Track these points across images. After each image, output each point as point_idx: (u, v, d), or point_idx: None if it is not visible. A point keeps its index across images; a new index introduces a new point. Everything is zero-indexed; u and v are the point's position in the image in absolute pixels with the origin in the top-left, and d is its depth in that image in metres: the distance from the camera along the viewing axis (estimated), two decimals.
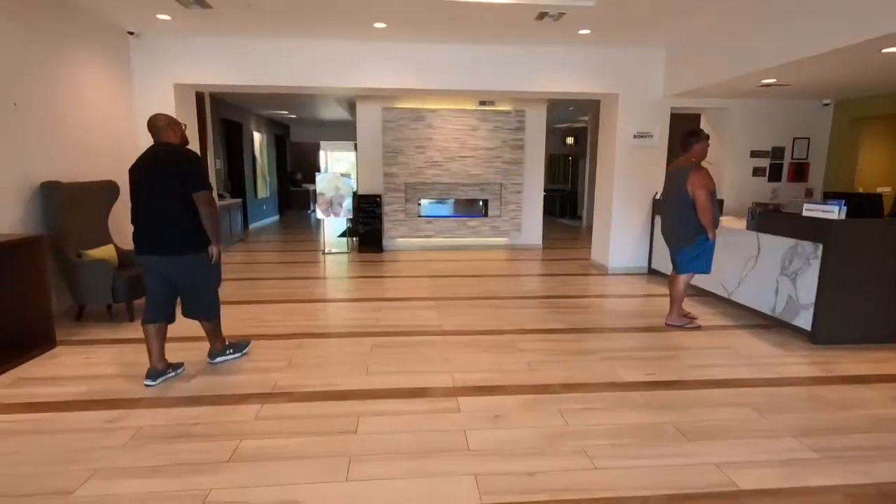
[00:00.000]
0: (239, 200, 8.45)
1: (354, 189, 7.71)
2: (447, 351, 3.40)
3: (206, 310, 2.99)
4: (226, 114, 8.98)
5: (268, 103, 9.43)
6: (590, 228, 10.03)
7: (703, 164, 3.77)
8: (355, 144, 7.91)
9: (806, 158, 6.15)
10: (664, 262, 5.38)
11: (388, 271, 6.07)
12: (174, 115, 3.84)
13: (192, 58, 5.09)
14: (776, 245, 3.85)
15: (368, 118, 7.23)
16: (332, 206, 7.32)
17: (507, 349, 3.44)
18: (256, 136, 10.64)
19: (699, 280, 4.35)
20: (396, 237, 7.48)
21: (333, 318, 4.31)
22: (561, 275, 5.93)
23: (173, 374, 2.90)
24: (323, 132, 14.08)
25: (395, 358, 3.26)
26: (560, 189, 13.23)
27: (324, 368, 3.09)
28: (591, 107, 9.99)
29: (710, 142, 3.79)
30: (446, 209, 7.76)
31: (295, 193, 13.84)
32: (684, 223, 3.75)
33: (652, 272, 5.94)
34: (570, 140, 13.32)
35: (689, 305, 4.35)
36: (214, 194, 2.99)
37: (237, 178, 9.85)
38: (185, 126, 2.99)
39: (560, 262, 6.66)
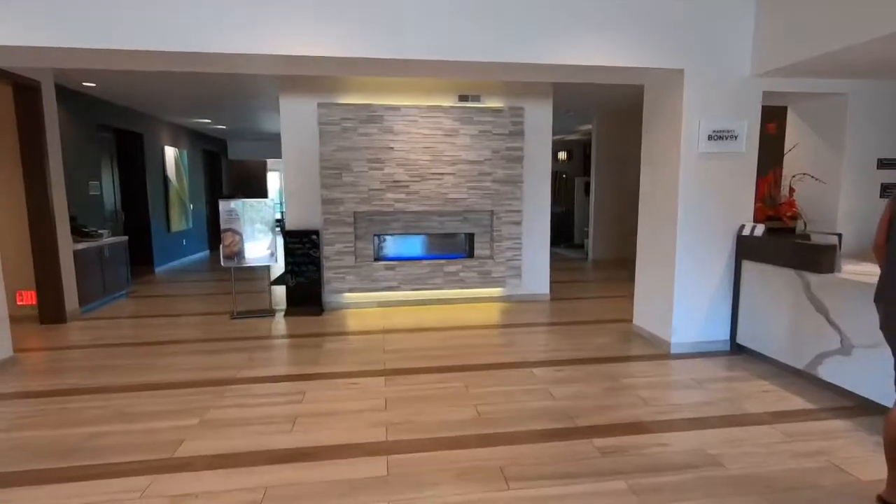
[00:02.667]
0: (124, 239, 6.01)
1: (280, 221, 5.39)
2: None
3: None
4: (115, 120, 6.59)
5: (176, 107, 7.09)
6: (600, 264, 8.06)
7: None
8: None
9: None
10: (757, 334, 3.23)
11: (319, 354, 3.74)
12: None
13: None
14: None
15: (297, 119, 4.98)
16: (243, 248, 4.97)
17: None
18: (169, 151, 8.23)
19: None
20: (343, 291, 5.16)
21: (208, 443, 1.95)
22: (596, 360, 3.70)
23: None
24: (270, 148, 11.72)
25: None
26: (554, 212, 11.13)
27: None
28: (595, 112, 7.95)
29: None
30: (415, 248, 5.50)
31: None
32: None
33: (738, 349, 3.78)
34: (562, 155, 11.33)
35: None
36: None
37: (135, 206, 7.39)
38: None
39: (586, 330, 4.44)
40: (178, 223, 8.47)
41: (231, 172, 11.60)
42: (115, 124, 6.71)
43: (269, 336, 4.31)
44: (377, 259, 5.30)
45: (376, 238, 5.31)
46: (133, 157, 7.34)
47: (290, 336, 4.31)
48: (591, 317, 4.88)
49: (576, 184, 10.53)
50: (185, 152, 8.91)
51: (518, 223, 5.33)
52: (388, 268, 5.18)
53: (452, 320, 4.77)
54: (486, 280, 5.35)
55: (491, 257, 5.39)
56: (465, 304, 5.37)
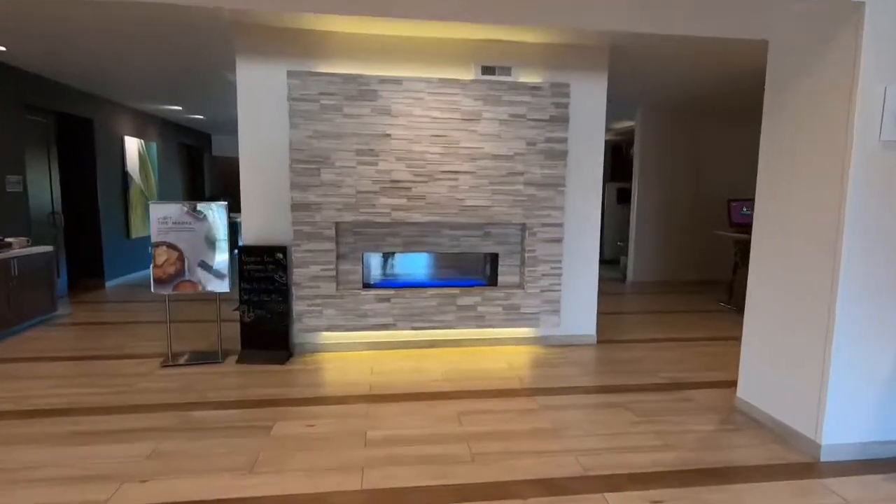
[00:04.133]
0: (47, 249, 4.69)
1: (236, 236, 4.02)
2: None
3: None
4: (52, 101, 5.29)
5: (130, 86, 5.78)
6: (643, 288, 6.63)
7: None
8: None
9: None
10: None
11: (262, 449, 2.35)
12: None
13: None
14: None
15: (258, 92, 3.64)
16: (186, 268, 3.62)
17: None
18: (131, 142, 6.94)
19: None
20: (319, 329, 3.78)
21: None
22: (703, 474, 2.27)
23: None
24: None
25: None
26: None
27: None
28: (641, 105, 6.55)
29: None
30: (418, 273, 4.13)
31: None
32: None
33: None
34: None
35: None
36: None
37: (82, 207, 6.08)
38: None
39: (667, 404, 3.02)
40: (141, 228, 7.16)
41: (215, 170, 10.31)
42: (52, 106, 5.42)
43: (198, 404, 2.94)
44: (367, 286, 3.93)
45: (366, 258, 3.94)
46: (79, 147, 6.04)
47: (230, 405, 2.94)
48: (664, 376, 3.47)
49: (606, 190, 9.13)
50: (153, 145, 7.62)
51: (558, 240, 3.94)
52: (381, 298, 3.81)
53: (467, 379, 3.38)
54: (514, 317, 3.96)
55: (520, 286, 4.01)
56: (484, 349, 3.98)
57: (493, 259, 4.06)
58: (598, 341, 4.22)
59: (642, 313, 5.28)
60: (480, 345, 4.05)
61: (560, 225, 3.92)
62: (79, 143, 6.02)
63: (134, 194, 6.98)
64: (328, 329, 3.77)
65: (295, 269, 3.68)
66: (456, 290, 3.90)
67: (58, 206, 5.69)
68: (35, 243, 4.96)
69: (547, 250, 3.93)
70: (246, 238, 3.75)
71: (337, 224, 3.74)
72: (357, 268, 3.86)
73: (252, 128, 3.65)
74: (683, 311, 5.39)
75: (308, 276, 3.69)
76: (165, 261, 3.58)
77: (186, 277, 3.61)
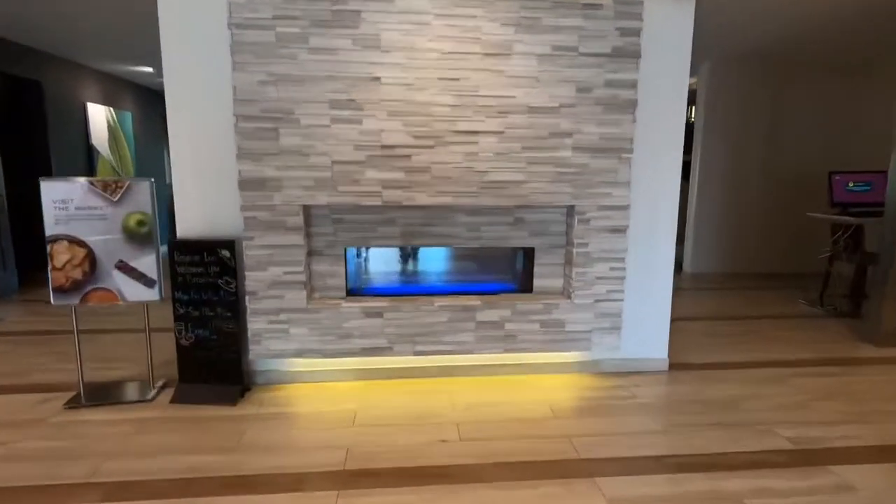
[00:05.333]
0: None
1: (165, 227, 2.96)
2: None
3: None
4: None
5: (93, 44, 4.75)
6: (708, 281, 5.31)
7: None
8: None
9: None
10: None
11: None
12: None
13: None
14: None
15: (190, 17, 2.51)
16: (97, 272, 2.60)
17: None
18: (96, 110, 5.94)
19: None
20: (286, 354, 2.72)
21: None
22: None
23: None
24: None
25: None
26: None
27: None
28: (707, 57, 5.20)
29: None
30: (422, 275, 3.01)
31: None
32: None
33: None
34: None
35: None
36: None
37: (34, 186, 5.14)
38: None
39: (831, 495, 1.89)
40: None
41: None
42: None
43: (77, 488, 1.93)
44: (352, 294, 2.85)
45: (350, 256, 2.85)
46: (25, 116, 5.07)
47: (140, 481, 1.93)
48: (787, 435, 2.30)
49: None
50: (128, 114, 6.62)
51: (621, 230, 2.77)
52: (370, 312, 2.72)
53: (490, 436, 2.29)
54: (556, 337, 2.83)
55: (565, 294, 2.88)
56: (514, 380, 2.89)
57: (527, 256, 2.92)
58: (671, 365, 3.08)
59: (717, 319, 4.08)
60: (508, 372, 2.96)
61: (625, 208, 2.75)
62: (24, 110, 5.04)
63: (102, 171, 6.02)
64: (297, 355, 2.72)
65: (248, 273, 2.61)
66: (475, 300, 2.79)
67: None
68: None
69: (605, 244, 2.77)
70: (181, 229, 2.69)
71: (306, 208, 2.65)
72: (337, 269, 2.78)
73: (180, 69, 2.55)
74: (770, 315, 4.18)
75: (267, 281, 2.63)
76: (68, 262, 2.56)
77: (99, 284, 2.59)
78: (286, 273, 2.63)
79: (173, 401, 2.61)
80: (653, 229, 2.90)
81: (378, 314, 2.72)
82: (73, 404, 2.56)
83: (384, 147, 2.56)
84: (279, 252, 2.61)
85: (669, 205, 2.89)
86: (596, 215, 2.74)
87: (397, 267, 2.93)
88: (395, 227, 2.78)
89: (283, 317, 2.66)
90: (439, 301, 2.77)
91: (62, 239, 2.53)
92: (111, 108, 6.26)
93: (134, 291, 2.63)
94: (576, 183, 2.69)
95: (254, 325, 2.66)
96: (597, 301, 2.82)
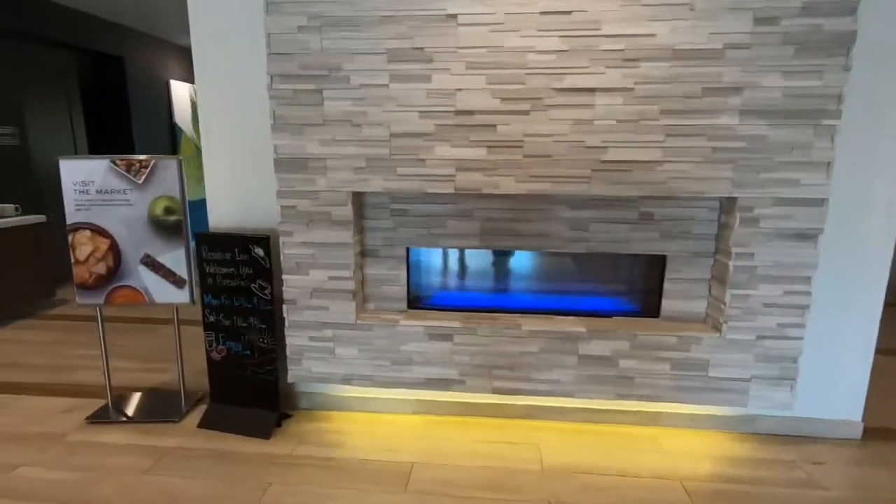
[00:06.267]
0: (41, 219, 3.67)
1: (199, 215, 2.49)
2: None
3: None
4: (65, 32, 4.19)
5: (180, 18, 4.54)
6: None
7: None
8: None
9: None
10: None
11: None
12: None
13: None
14: None
15: None
16: (122, 267, 2.21)
17: None
18: (180, 88, 5.86)
19: None
20: (332, 380, 2.17)
21: None
22: None
23: None
24: None
25: None
26: None
27: None
28: None
29: None
30: (505, 288, 2.29)
31: None
32: None
33: None
34: None
35: None
36: None
37: None
38: None
39: None
40: (196, 189, 6.18)
41: None
42: (64, 38, 4.34)
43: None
44: (415, 306, 2.22)
45: (413, 258, 2.21)
46: (107, 93, 5.02)
47: None
48: None
49: None
50: None
51: (809, 237, 1.84)
52: (436, 335, 2.07)
53: None
54: (692, 383, 2.00)
55: (713, 323, 2.02)
56: (629, 433, 2.10)
57: (656, 267, 2.09)
58: (867, 431, 2.11)
59: None
60: (620, 420, 2.18)
61: (819, 203, 1.81)
62: (106, 87, 5.00)
63: (185, 149, 5.96)
64: (345, 381, 2.16)
65: (286, 277, 2.08)
66: (578, 325, 2.03)
67: None
68: (39, 211, 4.02)
69: (781, 255, 1.87)
70: (213, 219, 2.22)
71: (356, 196, 2.04)
72: (396, 275, 2.16)
73: (207, 19, 2.03)
74: None
75: (308, 288, 2.08)
76: (91, 254, 2.19)
77: (124, 281, 2.20)
78: (331, 279, 2.05)
79: (201, 425, 2.18)
80: (860, 237, 1.93)
81: (446, 337, 2.07)
82: (96, 418, 2.22)
83: (460, 113, 1.86)
84: (323, 251, 2.04)
85: (890, 200, 1.89)
86: (770, 212, 1.84)
87: (475, 274, 2.25)
88: (473, 223, 2.09)
89: (327, 333, 2.11)
90: (529, 323, 2.05)
91: (84, 228, 2.16)
92: (194, 85, 6.16)
93: (162, 291, 2.21)
94: (742, 164, 1.81)
95: (293, 340, 2.13)
96: (761, 338, 1.93)
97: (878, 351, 2.95)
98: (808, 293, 1.88)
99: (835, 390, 2.07)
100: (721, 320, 1.95)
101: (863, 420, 2.10)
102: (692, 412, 2.14)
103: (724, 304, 1.92)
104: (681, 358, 1.98)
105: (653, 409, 2.15)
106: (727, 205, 1.93)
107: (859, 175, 1.88)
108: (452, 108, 1.86)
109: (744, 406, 2.00)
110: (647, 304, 2.13)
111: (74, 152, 4.65)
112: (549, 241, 2.07)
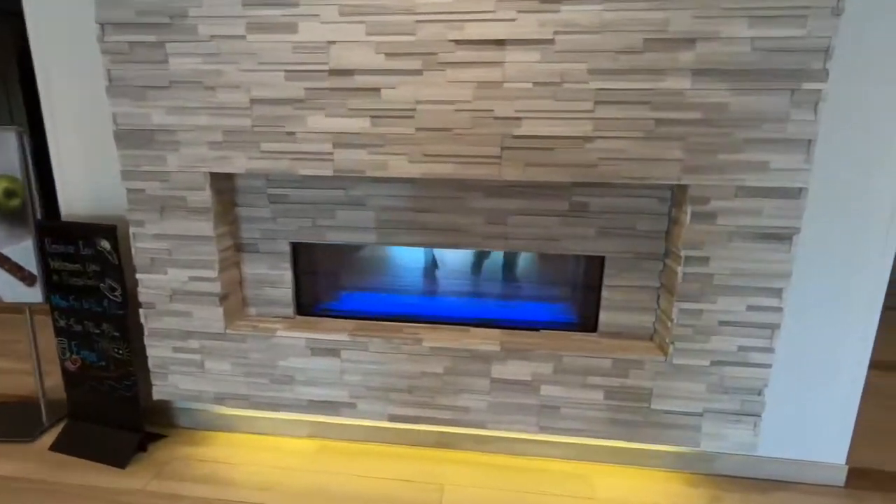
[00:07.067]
0: None
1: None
2: None
3: None
4: None
5: None
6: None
7: None
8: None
9: None
10: None
11: None
12: None
13: None
14: None
15: None
16: None
17: None
18: None
19: None
20: (203, 398, 1.81)
21: None
22: None
23: None
24: None
25: None
26: None
27: None
28: None
29: None
30: (405, 294, 1.89)
31: None
32: None
33: None
34: None
35: None
36: None
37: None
38: None
39: None
40: None
41: None
42: None
43: None
44: (308, 312, 1.85)
45: (301, 253, 1.82)
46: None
47: None
48: None
49: None
50: None
51: (781, 237, 1.42)
52: (319, 349, 1.70)
53: None
54: (631, 416, 1.61)
55: (659, 341, 1.62)
56: (553, 472, 1.73)
57: (592, 270, 1.69)
58: (852, 473, 1.71)
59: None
60: (549, 453, 1.81)
61: (795, 193, 1.39)
62: None
63: None
64: (217, 400, 1.80)
65: (140, 276, 1.71)
66: (491, 343, 1.65)
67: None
68: None
69: (742, 260, 1.45)
70: (63, 203, 1.85)
71: (215, 178, 1.65)
72: (279, 275, 1.78)
73: None
74: None
75: (167, 289, 1.71)
76: None
77: None
78: (192, 279, 1.68)
79: (53, 447, 1.84)
80: (850, 238, 1.50)
81: (332, 352, 1.69)
82: None
83: (335, 73, 1.46)
84: (180, 246, 1.66)
85: (893, 189, 1.46)
86: (730, 206, 1.42)
87: (383, 275, 1.86)
88: (368, 213, 1.69)
89: (193, 343, 1.75)
90: (432, 338, 1.66)
91: None
92: None
93: (11, 289, 1.86)
94: (695, 142, 1.38)
95: (155, 351, 1.77)
96: (717, 363, 1.53)
97: (875, 365, 2.52)
98: (779, 309, 1.47)
99: (813, 427, 1.67)
100: (668, 340, 1.55)
101: (847, 462, 1.70)
102: (635, 445, 1.75)
103: (672, 318, 1.52)
104: (616, 386, 1.59)
105: (587, 441, 1.77)
106: (677, 195, 1.51)
107: (851, 157, 1.45)
108: (325, 67, 1.46)
109: (695, 446, 1.61)
110: (583, 315, 1.73)
111: None
112: (462, 236, 1.67)
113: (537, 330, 1.74)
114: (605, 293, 1.65)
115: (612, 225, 1.60)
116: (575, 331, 1.73)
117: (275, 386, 1.75)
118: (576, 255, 1.70)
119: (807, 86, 1.32)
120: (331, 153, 1.52)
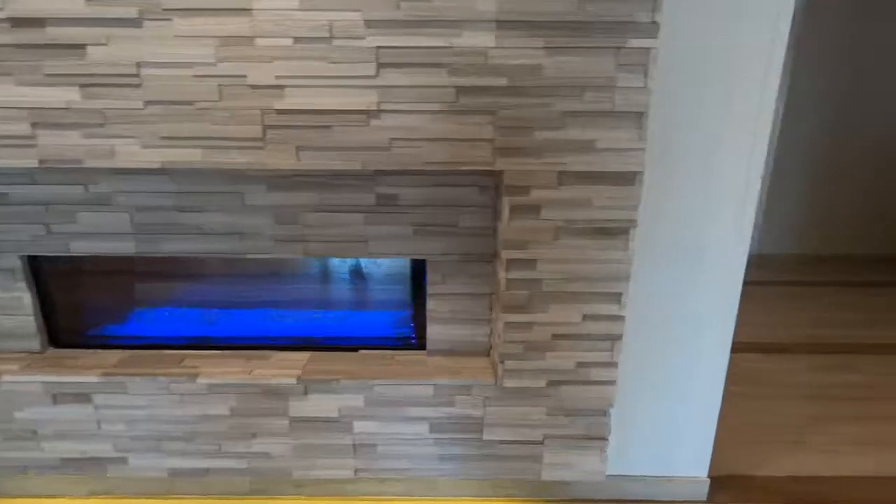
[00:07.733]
0: None
1: None
2: None
3: None
4: None
5: None
6: (779, 266, 3.44)
7: None
8: None
9: None
10: None
11: None
12: None
13: None
14: None
15: None
16: None
17: None
18: None
19: None
20: None
21: None
22: None
23: None
24: None
25: None
26: None
27: None
28: None
29: None
30: (218, 304, 1.52)
31: None
32: None
33: None
34: None
35: None
36: None
37: None
38: None
39: None
40: None
41: None
42: None
43: None
44: (70, 343, 1.43)
45: (36, 270, 1.39)
46: None
47: None
48: None
49: None
50: None
51: (617, 232, 1.17)
52: (63, 394, 1.30)
53: None
54: (463, 450, 1.34)
55: (491, 359, 1.35)
56: None
57: (415, 276, 1.39)
58: (715, 481, 1.55)
59: (803, 350, 2.43)
60: (382, 491, 1.52)
61: (629, 179, 1.13)
62: None
63: None
64: None
65: None
66: (289, 371, 1.32)
67: None
68: None
69: (573, 261, 1.19)
70: None
71: None
72: (13, 298, 1.35)
73: None
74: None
75: None
76: None
77: None
78: None
79: None
80: (697, 230, 1.27)
81: (82, 398, 1.30)
82: None
83: (21, 23, 1.04)
84: None
85: (745, 173, 1.23)
86: (553, 195, 1.14)
87: (146, 290, 1.47)
88: (120, 215, 1.29)
89: None
90: (210, 373, 1.31)
91: None
92: None
93: None
94: (505, 116, 1.09)
95: None
96: (553, 384, 1.28)
97: (737, 349, 2.42)
98: (620, 317, 1.23)
99: (672, 442, 1.47)
100: (498, 357, 1.28)
101: (710, 473, 1.54)
102: (469, 480, 1.50)
103: (500, 332, 1.25)
104: (442, 417, 1.31)
105: (418, 474, 1.50)
106: (494, 183, 1.22)
107: (694, 132, 1.20)
108: (3, 14, 1.03)
109: (537, 477, 1.37)
110: (408, 329, 1.44)
111: None
112: (247, 241, 1.31)
113: (355, 350, 1.43)
114: (430, 303, 1.36)
115: (430, 221, 1.29)
116: (400, 349, 1.43)
117: (15, 443, 1.35)
118: (394, 260, 1.38)
119: (634, 42, 1.04)
120: (31, 136, 1.10)
